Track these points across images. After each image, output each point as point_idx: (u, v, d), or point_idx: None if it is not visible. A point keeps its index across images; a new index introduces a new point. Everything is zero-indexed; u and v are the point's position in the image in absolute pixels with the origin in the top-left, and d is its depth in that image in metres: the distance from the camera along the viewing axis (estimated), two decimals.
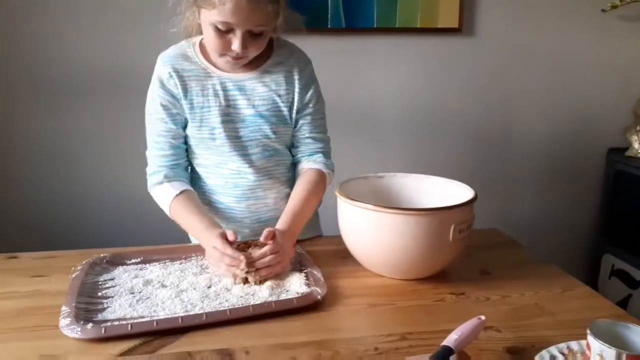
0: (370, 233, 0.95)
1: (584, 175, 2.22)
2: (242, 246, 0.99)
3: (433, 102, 2.06)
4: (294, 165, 1.20)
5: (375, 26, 1.91)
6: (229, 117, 1.09)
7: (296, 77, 1.12)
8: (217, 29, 0.96)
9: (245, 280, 0.94)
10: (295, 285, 0.94)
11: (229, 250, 0.95)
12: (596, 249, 2.23)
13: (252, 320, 0.84)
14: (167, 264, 1.04)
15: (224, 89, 1.09)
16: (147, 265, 1.03)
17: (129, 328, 0.79)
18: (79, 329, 0.78)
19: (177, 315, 0.83)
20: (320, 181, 1.15)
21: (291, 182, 1.18)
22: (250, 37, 0.98)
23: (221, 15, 0.94)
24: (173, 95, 1.08)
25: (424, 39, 1.98)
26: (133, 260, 1.05)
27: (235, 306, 0.87)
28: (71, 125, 1.87)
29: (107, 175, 1.92)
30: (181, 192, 1.08)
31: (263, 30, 0.99)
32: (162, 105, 1.08)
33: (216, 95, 1.08)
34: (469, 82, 2.06)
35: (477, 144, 2.12)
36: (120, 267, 1.02)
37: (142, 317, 0.84)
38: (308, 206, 1.11)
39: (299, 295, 0.90)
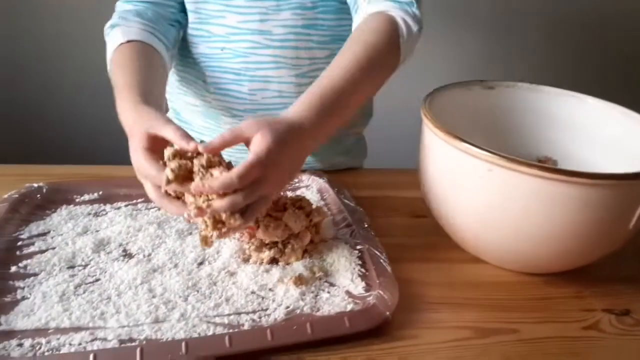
0: (486, 200, 0.54)
1: None
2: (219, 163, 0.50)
3: None
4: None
5: None
6: None
7: None
8: None
9: (274, 259, 0.57)
10: (345, 278, 0.55)
11: (147, 166, 0.49)
12: None
13: (268, 354, 0.47)
14: (140, 207, 0.66)
15: None
16: (107, 208, 0.65)
17: None
18: None
19: (139, 330, 0.47)
20: (389, 33, 0.63)
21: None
22: None
23: None
24: None
25: None
26: (86, 197, 0.66)
27: (241, 313, 0.50)
28: None
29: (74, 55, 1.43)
30: (129, 42, 0.66)
31: None
32: None
33: None
34: None
35: None
36: (63, 208, 0.64)
37: (79, 327, 0.47)
38: (356, 81, 0.59)
39: (352, 302, 0.52)
